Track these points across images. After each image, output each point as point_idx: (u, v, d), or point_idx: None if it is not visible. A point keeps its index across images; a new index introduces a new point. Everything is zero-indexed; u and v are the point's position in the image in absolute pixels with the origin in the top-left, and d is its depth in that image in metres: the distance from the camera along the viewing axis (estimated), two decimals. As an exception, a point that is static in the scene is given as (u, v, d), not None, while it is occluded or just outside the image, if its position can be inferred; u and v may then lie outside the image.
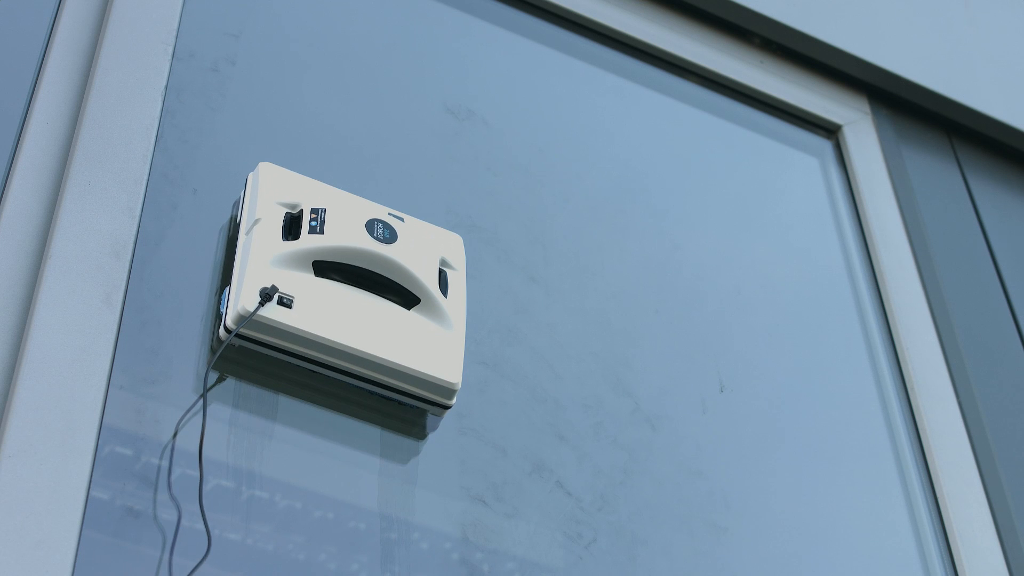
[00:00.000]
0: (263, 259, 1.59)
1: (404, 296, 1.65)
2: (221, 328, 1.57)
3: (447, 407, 1.66)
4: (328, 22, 2.05)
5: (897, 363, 2.17)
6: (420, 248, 1.67)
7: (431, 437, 1.70)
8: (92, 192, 1.61)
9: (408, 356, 1.62)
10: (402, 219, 1.70)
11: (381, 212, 1.69)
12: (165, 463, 1.50)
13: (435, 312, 1.66)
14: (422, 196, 1.91)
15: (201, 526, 1.46)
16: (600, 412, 1.84)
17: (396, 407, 1.67)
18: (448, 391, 1.64)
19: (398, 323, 1.63)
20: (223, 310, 1.58)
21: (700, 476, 1.87)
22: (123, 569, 1.43)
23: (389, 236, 1.65)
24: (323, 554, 1.56)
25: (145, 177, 1.66)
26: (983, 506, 2.03)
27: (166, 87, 1.77)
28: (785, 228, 2.33)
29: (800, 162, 2.44)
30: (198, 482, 1.48)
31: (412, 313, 1.65)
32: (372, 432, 1.66)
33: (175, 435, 1.52)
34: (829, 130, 2.49)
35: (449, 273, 1.71)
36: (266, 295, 1.56)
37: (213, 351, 1.59)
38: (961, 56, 2.64)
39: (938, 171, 2.54)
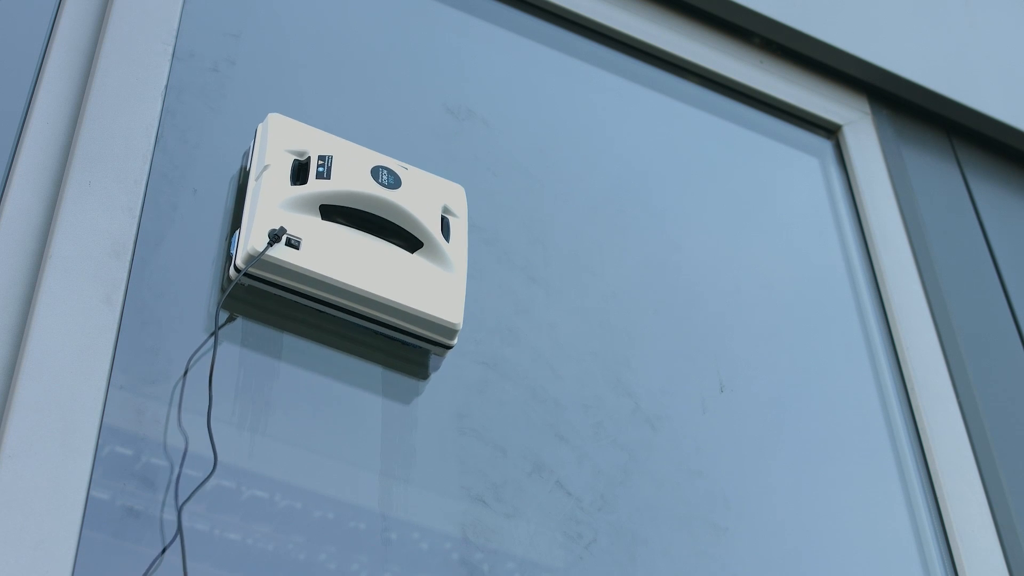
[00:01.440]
0: (272, 203, 1.64)
1: (407, 240, 1.70)
2: (231, 268, 1.62)
3: (448, 347, 1.71)
4: (328, 22, 2.05)
5: (897, 363, 2.17)
6: (423, 194, 1.72)
7: (431, 437, 1.70)
8: (92, 192, 1.61)
9: (411, 297, 1.67)
10: (406, 168, 1.74)
11: (386, 160, 1.74)
12: (165, 463, 1.50)
13: (437, 256, 1.71)
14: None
15: (201, 526, 1.46)
16: (600, 412, 1.84)
17: (399, 346, 1.71)
18: (449, 331, 1.69)
19: (402, 265, 1.69)
20: (233, 251, 1.63)
21: (700, 476, 1.87)
22: (123, 569, 1.43)
23: (393, 182, 1.70)
24: (323, 554, 1.56)
25: (145, 177, 1.67)
26: (983, 506, 2.03)
27: (166, 87, 1.77)
28: (785, 228, 2.33)
29: (800, 162, 2.44)
30: (206, 412, 1.52)
31: (415, 256, 1.70)
32: (375, 371, 1.70)
33: (185, 372, 1.56)
34: (829, 130, 2.49)
35: (451, 220, 1.76)
36: (274, 236, 1.61)
37: (223, 290, 1.64)
38: (961, 56, 2.64)
39: (938, 171, 2.54)
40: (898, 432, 2.10)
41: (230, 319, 1.64)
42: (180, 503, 1.47)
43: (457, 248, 1.74)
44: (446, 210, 1.76)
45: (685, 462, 1.87)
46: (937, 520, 2.00)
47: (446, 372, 1.77)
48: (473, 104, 2.02)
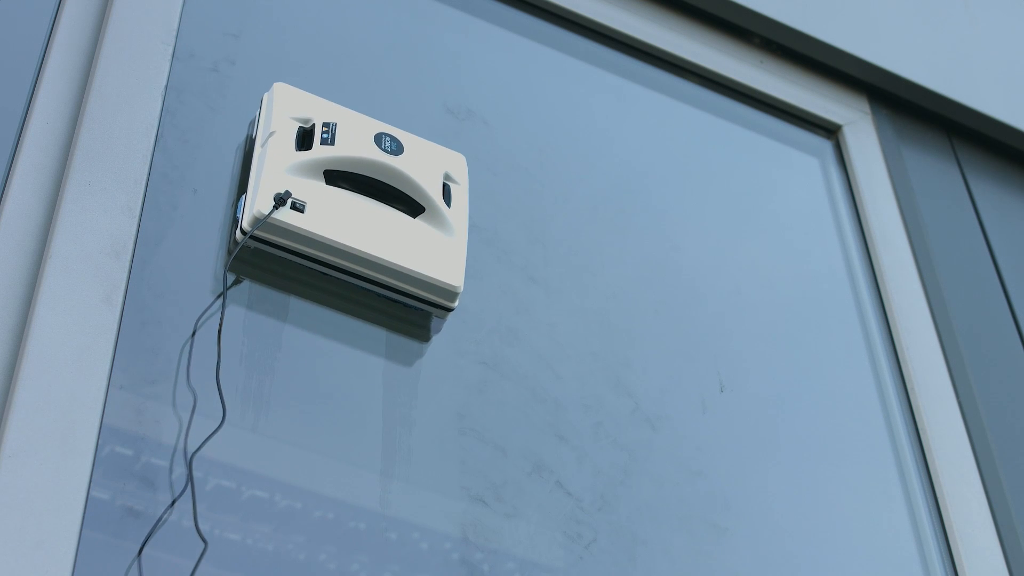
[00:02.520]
0: (277, 168, 1.68)
1: (410, 205, 1.74)
2: (237, 231, 1.66)
3: (449, 309, 1.75)
4: (328, 22, 2.05)
5: (897, 363, 2.17)
6: (425, 161, 1.77)
7: (431, 437, 1.70)
8: (92, 192, 1.61)
9: (413, 260, 1.71)
10: (409, 137, 1.79)
11: (389, 128, 1.77)
12: (165, 463, 1.50)
13: (439, 220, 1.75)
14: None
15: (201, 526, 1.46)
16: (600, 412, 1.84)
17: (401, 309, 1.75)
18: (451, 293, 1.73)
19: (404, 230, 1.72)
20: (239, 215, 1.67)
21: (700, 476, 1.87)
22: (123, 569, 1.43)
23: (396, 148, 1.74)
24: (323, 554, 1.56)
25: (145, 177, 1.67)
26: (983, 506, 2.03)
27: (166, 87, 1.77)
28: (785, 228, 2.33)
29: (800, 162, 2.44)
30: (215, 365, 1.56)
31: (417, 221, 1.74)
32: (378, 333, 1.74)
33: (193, 333, 1.59)
34: (829, 130, 2.49)
35: (452, 187, 1.80)
36: (280, 199, 1.65)
37: (229, 253, 1.67)
38: (961, 56, 2.64)
39: (938, 171, 2.54)
40: (898, 432, 2.10)
41: (237, 281, 1.67)
42: (190, 454, 1.50)
43: (458, 213, 1.77)
44: (447, 177, 1.80)
45: (685, 462, 1.87)
46: (937, 520, 2.00)
47: (446, 372, 1.77)
48: (473, 104, 2.02)
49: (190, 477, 1.49)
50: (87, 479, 1.41)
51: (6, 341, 1.47)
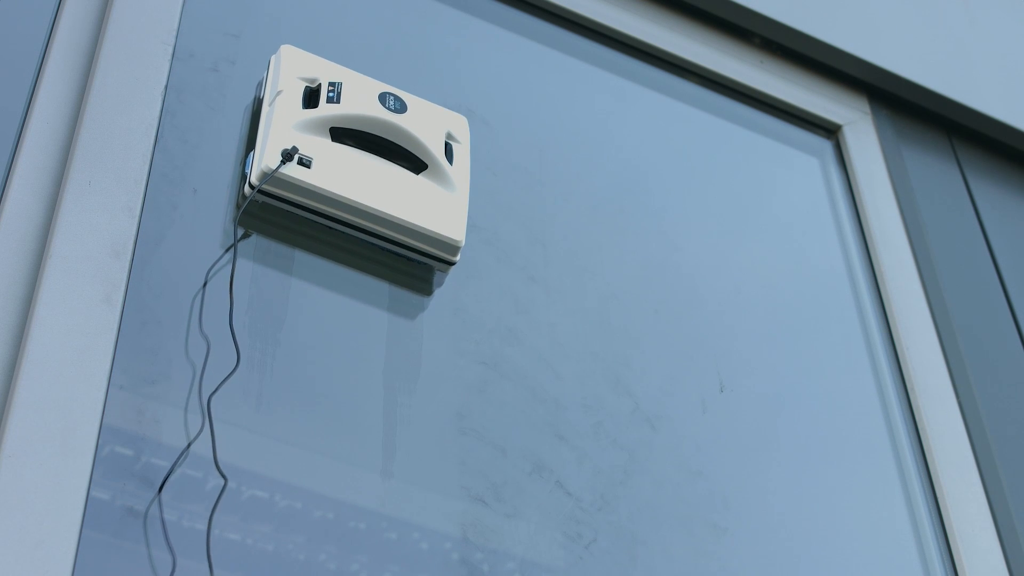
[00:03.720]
0: (285, 125, 1.73)
1: (413, 162, 1.79)
2: (246, 185, 1.71)
3: (451, 263, 1.79)
4: (328, 22, 2.05)
5: (897, 363, 2.17)
6: (428, 120, 1.81)
7: (431, 437, 1.70)
8: (92, 192, 1.61)
9: (416, 214, 1.75)
10: (412, 98, 1.83)
11: (393, 89, 1.82)
12: (165, 463, 1.50)
13: (441, 177, 1.79)
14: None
15: (201, 526, 1.46)
16: (600, 412, 1.84)
17: (404, 262, 1.80)
18: (452, 247, 1.77)
19: (407, 185, 1.77)
20: (247, 170, 1.72)
21: (700, 476, 1.87)
22: (123, 569, 1.43)
23: (400, 107, 1.79)
24: (323, 554, 1.56)
25: (145, 177, 1.67)
26: (983, 506, 2.03)
27: (166, 87, 1.77)
28: (785, 228, 2.33)
29: (800, 162, 2.44)
30: (228, 312, 1.61)
31: (420, 178, 1.78)
32: (381, 287, 1.79)
33: (205, 284, 1.64)
34: (829, 130, 2.49)
35: (454, 145, 1.84)
36: (287, 155, 1.69)
37: (238, 207, 1.72)
38: (961, 56, 2.64)
39: (938, 171, 2.54)
40: (898, 432, 2.10)
41: (245, 235, 1.71)
42: (207, 396, 1.54)
43: (460, 171, 1.82)
44: (449, 136, 1.84)
45: (685, 462, 1.87)
46: (937, 520, 2.00)
47: (446, 372, 1.77)
48: (473, 104, 2.02)
49: (208, 415, 1.52)
50: (87, 479, 1.41)
51: (6, 341, 1.47)
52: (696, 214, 2.22)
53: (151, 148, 1.70)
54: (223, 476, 1.50)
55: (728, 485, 1.88)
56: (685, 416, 1.92)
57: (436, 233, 1.76)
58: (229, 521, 1.51)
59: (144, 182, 1.66)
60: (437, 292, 1.84)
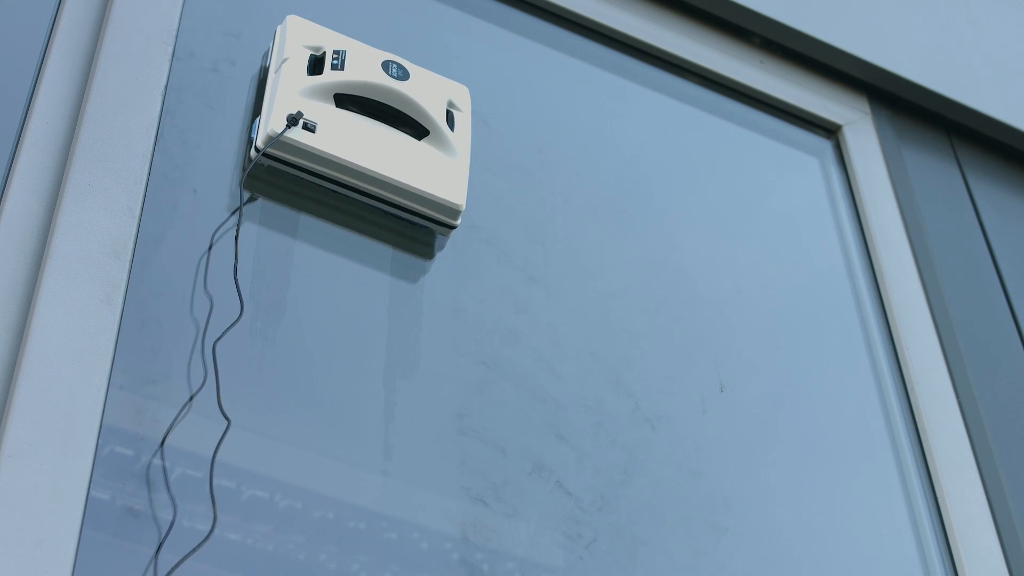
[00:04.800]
0: (290, 91, 1.77)
1: (415, 128, 1.83)
2: (252, 149, 1.75)
3: (452, 227, 1.83)
4: (327, 23, 2.05)
5: (897, 363, 2.17)
6: (430, 88, 1.86)
7: (431, 437, 1.70)
8: (92, 192, 1.61)
9: (418, 179, 1.79)
10: (415, 67, 1.87)
11: (396, 57, 1.86)
12: (165, 463, 1.50)
13: (442, 143, 1.83)
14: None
15: (201, 526, 1.46)
16: (600, 412, 1.84)
17: (406, 226, 1.84)
18: (453, 211, 1.81)
19: (409, 151, 1.81)
20: (253, 135, 1.76)
21: (700, 476, 1.87)
22: (123, 569, 1.43)
23: (402, 75, 1.83)
24: (323, 554, 1.56)
25: (145, 177, 1.67)
26: (983, 506, 2.03)
27: (166, 87, 1.77)
28: (785, 228, 2.33)
29: (800, 162, 2.44)
30: (232, 267, 1.65)
31: (422, 143, 1.82)
32: (384, 250, 1.82)
33: (210, 247, 1.67)
34: (829, 130, 2.49)
35: (456, 113, 1.89)
36: (292, 119, 1.74)
37: (244, 170, 1.76)
38: (961, 56, 2.64)
39: (938, 171, 2.54)
40: (898, 432, 2.10)
41: (252, 199, 1.75)
42: (213, 342, 1.58)
43: (461, 137, 1.86)
44: (451, 104, 1.88)
45: (685, 462, 1.87)
46: (937, 520, 2.00)
47: (446, 372, 1.77)
48: (473, 104, 2.02)
49: (214, 361, 1.56)
50: (87, 479, 1.41)
51: (6, 341, 1.47)
52: (696, 214, 2.22)
53: (151, 148, 1.70)
54: (226, 418, 1.53)
55: (728, 485, 1.88)
56: (685, 416, 1.92)
57: (437, 197, 1.79)
58: (229, 521, 1.51)
59: (144, 182, 1.66)
60: (437, 292, 1.84)
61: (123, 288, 1.56)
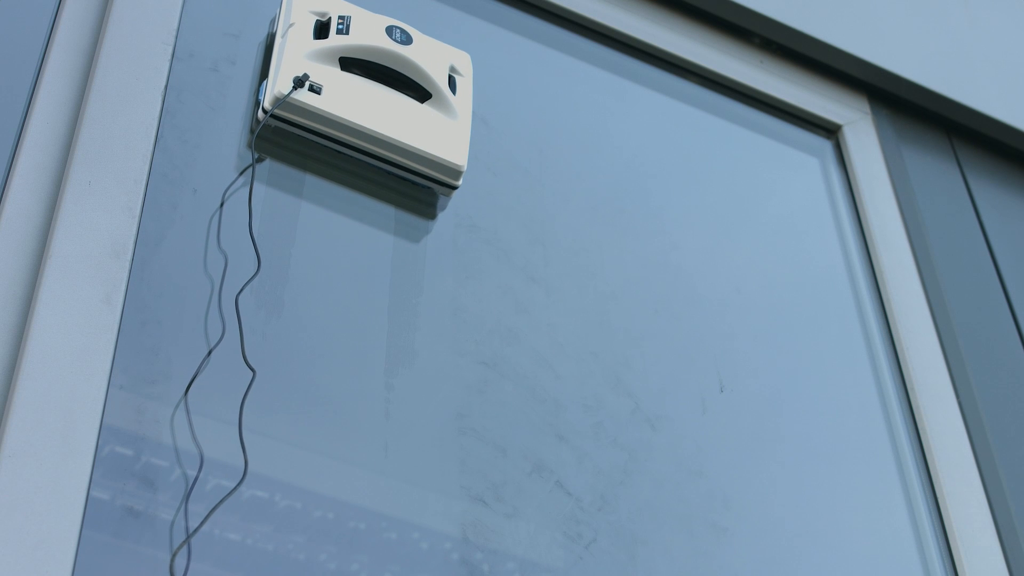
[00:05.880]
0: (297, 54, 1.82)
1: (418, 91, 1.87)
2: (259, 111, 1.80)
3: (454, 187, 1.87)
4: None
5: (897, 363, 2.17)
6: (433, 53, 1.90)
7: (431, 437, 1.70)
8: (92, 192, 1.61)
9: (421, 140, 1.84)
10: (418, 33, 1.92)
11: (399, 23, 1.90)
12: (165, 463, 1.50)
13: (444, 106, 1.88)
14: (423, 195, 1.91)
15: (202, 526, 1.46)
16: (600, 412, 1.84)
17: (409, 186, 1.88)
18: (455, 172, 1.86)
19: (412, 113, 1.85)
20: (261, 97, 1.80)
21: (700, 476, 1.87)
22: (123, 569, 1.43)
23: (406, 40, 1.88)
24: (323, 554, 1.56)
25: (145, 177, 1.67)
26: (983, 506, 2.03)
27: (166, 87, 1.77)
28: (785, 228, 2.33)
29: (800, 162, 2.44)
30: (248, 224, 1.71)
31: (424, 106, 1.87)
32: (387, 210, 1.87)
33: (222, 205, 1.72)
34: (829, 130, 2.49)
35: (458, 78, 1.93)
36: (299, 81, 1.79)
37: (252, 131, 1.81)
38: (961, 56, 2.64)
39: (938, 171, 2.54)
40: (898, 432, 2.10)
41: (259, 160, 1.80)
42: (236, 295, 1.63)
43: (462, 101, 1.90)
44: (453, 69, 1.93)
45: (685, 462, 1.87)
46: (937, 520, 2.00)
47: (446, 372, 1.77)
48: (473, 104, 2.02)
49: (237, 313, 1.61)
50: (87, 479, 1.41)
51: (6, 341, 1.47)
52: (696, 214, 2.22)
53: (151, 148, 1.70)
54: (251, 368, 1.57)
55: (728, 485, 1.88)
56: (685, 416, 1.92)
57: (439, 158, 1.84)
58: (229, 521, 1.51)
59: (144, 182, 1.66)
60: (437, 292, 1.84)
61: (123, 288, 1.56)
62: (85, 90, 1.71)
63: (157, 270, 1.63)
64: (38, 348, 1.46)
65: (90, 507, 1.41)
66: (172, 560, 1.42)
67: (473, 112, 2.00)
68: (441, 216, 1.91)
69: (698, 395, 1.96)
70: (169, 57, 1.79)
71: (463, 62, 1.95)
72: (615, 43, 2.37)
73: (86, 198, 1.60)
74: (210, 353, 1.57)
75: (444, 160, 1.84)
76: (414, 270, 1.84)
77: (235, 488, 1.49)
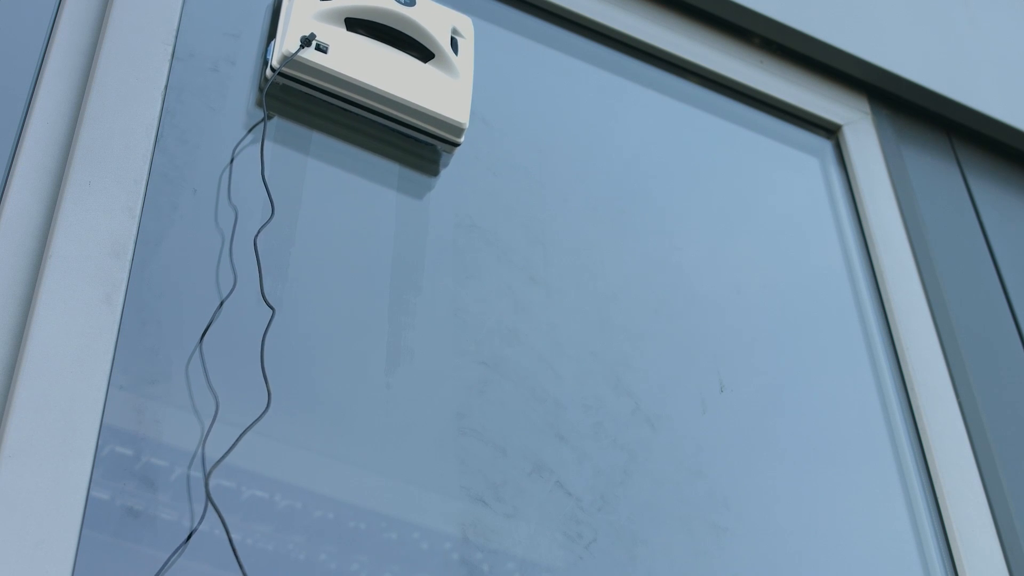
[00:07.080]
0: (304, 15, 1.88)
1: (421, 51, 1.93)
2: (268, 69, 1.86)
3: (456, 144, 1.93)
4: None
5: (897, 363, 2.17)
6: (436, 15, 1.97)
7: (431, 437, 1.70)
8: (92, 192, 1.61)
9: (424, 98, 1.90)
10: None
11: None
12: (165, 462, 1.50)
13: (447, 66, 1.94)
14: (422, 195, 1.91)
15: (202, 526, 1.46)
16: (600, 412, 1.84)
17: (412, 143, 1.94)
18: (457, 129, 1.92)
19: (416, 72, 1.92)
20: (269, 57, 1.87)
21: (700, 476, 1.87)
22: (123, 569, 1.43)
23: (409, 2, 1.94)
24: (323, 554, 1.56)
25: (145, 177, 1.67)
26: (983, 506, 2.03)
27: (166, 87, 1.77)
28: (785, 228, 2.33)
29: (800, 162, 2.44)
30: (260, 170, 1.75)
31: (427, 66, 1.93)
32: (391, 167, 1.91)
33: (232, 160, 1.76)
34: (829, 130, 2.49)
35: (459, 40, 1.99)
36: (306, 41, 1.85)
37: (261, 89, 1.86)
38: (961, 56, 2.64)
39: (938, 171, 2.54)
40: (898, 432, 2.10)
41: (268, 117, 1.84)
42: (254, 237, 1.68)
43: (464, 61, 1.97)
44: (455, 31, 1.99)
45: (685, 462, 1.87)
46: (937, 520, 2.00)
47: (446, 372, 1.77)
48: (473, 104, 2.02)
49: (256, 254, 1.67)
50: (87, 479, 1.41)
51: (6, 341, 1.47)
52: (696, 214, 2.22)
53: (151, 148, 1.70)
54: (270, 307, 1.63)
55: (728, 485, 1.88)
56: (685, 416, 1.92)
57: (442, 115, 1.89)
58: (229, 521, 1.51)
59: (144, 182, 1.66)
60: (437, 292, 1.84)
61: (123, 288, 1.56)
62: (85, 90, 1.71)
63: (157, 270, 1.63)
64: (38, 348, 1.46)
65: (90, 507, 1.41)
66: (207, 481, 1.47)
67: (473, 112, 2.00)
68: (441, 216, 1.91)
69: (698, 395, 1.96)
70: (169, 57, 1.79)
71: (465, 25, 2.01)
72: (615, 43, 2.37)
73: (86, 198, 1.60)
74: (222, 303, 1.61)
75: (446, 117, 1.89)
76: (414, 270, 1.84)
77: (262, 415, 1.53)
